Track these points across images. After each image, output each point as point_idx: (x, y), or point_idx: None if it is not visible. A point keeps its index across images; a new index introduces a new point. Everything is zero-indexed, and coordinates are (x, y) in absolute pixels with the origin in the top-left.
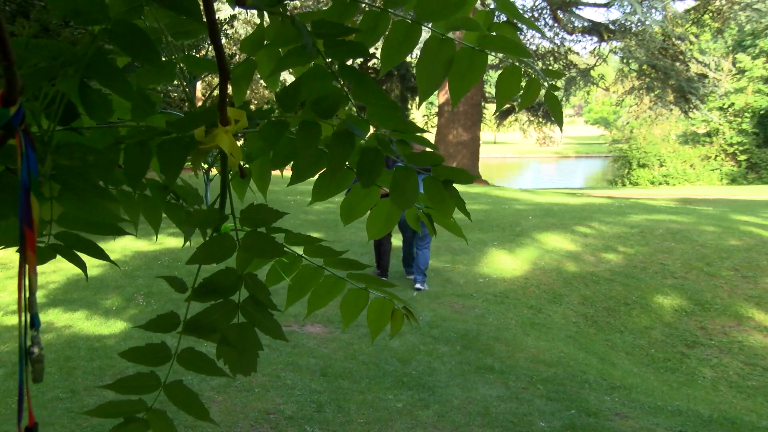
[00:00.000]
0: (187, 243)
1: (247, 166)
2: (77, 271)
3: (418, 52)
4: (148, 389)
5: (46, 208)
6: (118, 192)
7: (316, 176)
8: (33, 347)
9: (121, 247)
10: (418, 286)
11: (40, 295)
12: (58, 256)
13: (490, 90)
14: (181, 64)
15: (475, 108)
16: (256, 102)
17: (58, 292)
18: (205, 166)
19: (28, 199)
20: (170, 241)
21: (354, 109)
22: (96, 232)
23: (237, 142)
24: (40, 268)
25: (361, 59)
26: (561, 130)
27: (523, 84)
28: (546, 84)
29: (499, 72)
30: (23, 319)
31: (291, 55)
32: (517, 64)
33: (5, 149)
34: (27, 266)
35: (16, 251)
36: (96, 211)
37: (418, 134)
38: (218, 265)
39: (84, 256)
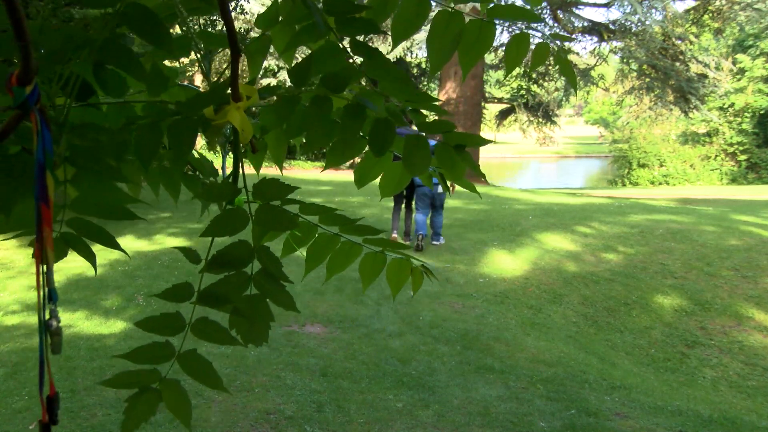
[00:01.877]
0: (188, 242)
1: (262, 138)
2: (78, 270)
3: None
4: (162, 359)
5: (59, 194)
6: (139, 163)
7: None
8: (51, 320)
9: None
10: (434, 242)
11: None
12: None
13: (490, 90)
14: (197, 40)
15: (475, 108)
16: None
17: (59, 292)
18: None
19: (44, 177)
20: (170, 241)
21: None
22: (110, 217)
23: (248, 118)
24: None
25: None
26: (575, 92)
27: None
28: (555, 47)
29: (508, 39)
30: (41, 293)
31: (303, 33)
32: (525, 30)
33: (21, 130)
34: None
35: (31, 245)
36: (110, 193)
37: (432, 103)
38: (231, 238)
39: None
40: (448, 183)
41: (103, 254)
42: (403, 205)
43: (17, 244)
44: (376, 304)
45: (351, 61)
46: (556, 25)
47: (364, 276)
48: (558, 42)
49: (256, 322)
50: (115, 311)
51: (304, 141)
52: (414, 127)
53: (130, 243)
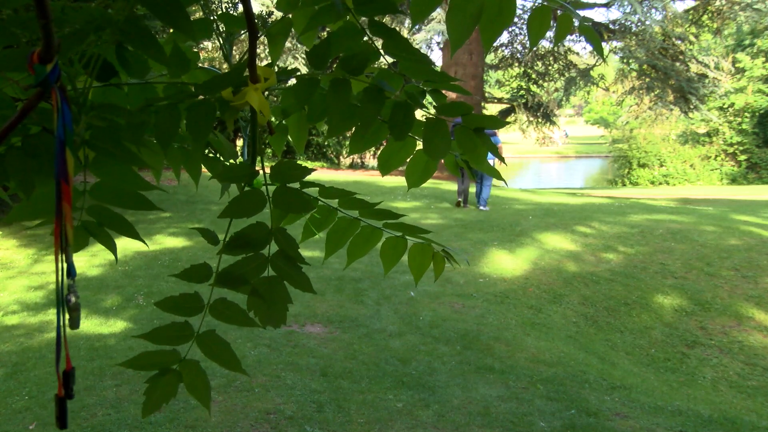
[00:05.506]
0: (189, 242)
1: (284, 122)
2: (78, 270)
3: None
4: (181, 339)
5: (79, 180)
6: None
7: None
8: (69, 295)
9: (121, 247)
10: (482, 208)
11: (39, 295)
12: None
13: (491, 90)
14: (218, 22)
15: (476, 108)
16: None
17: (58, 292)
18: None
19: (64, 154)
20: (170, 241)
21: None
22: (127, 206)
23: (266, 100)
24: (39, 269)
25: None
26: (603, 59)
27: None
28: (578, 17)
29: (529, 14)
30: (59, 266)
31: (322, 13)
32: (546, 3)
33: (42, 110)
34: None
35: (32, 244)
36: (128, 179)
37: (452, 83)
38: (249, 220)
39: (94, 253)
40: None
41: (103, 254)
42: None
43: (17, 244)
44: (376, 304)
45: (369, 41)
46: (555, 25)
47: (386, 260)
48: (579, 11)
49: (274, 303)
50: (115, 311)
51: (326, 126)
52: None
53: (130, 243)
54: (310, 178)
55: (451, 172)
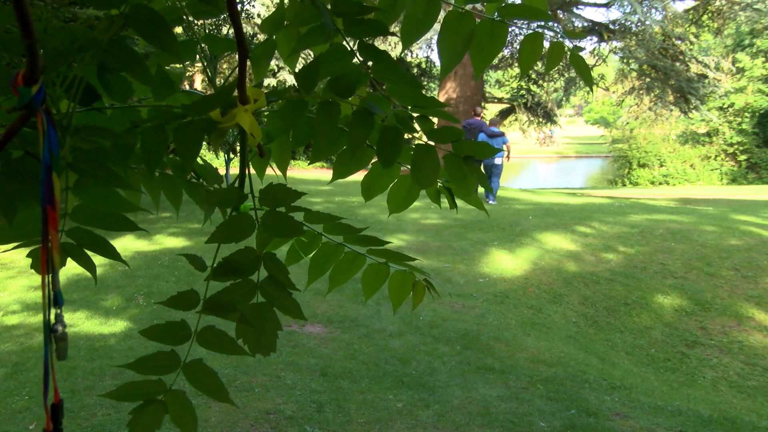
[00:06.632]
0: (189, 242)
1: (267, 145)
2: (78, 270)
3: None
4: (167, 369)
5: (60, 202)
6: (140, 170)
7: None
8: (57, 325)
9: (121, 247)
10: (491, 202)
11: (39, 295)
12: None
13: (491, 90)
14: (202, 44)
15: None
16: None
17: None
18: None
19: (50, 179)
20: (170, 241)
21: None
22: (110, 228)
23: (256, 122)
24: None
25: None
26: (591, 90)
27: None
28: (570, 45)
29: (521, 39)
30: (47, 297)
31: (310, 35)
32: (539, 30)
33: (25, 134)
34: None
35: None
36: (112, 201)
37: (440, 109)
38: (237, 245)
39: (90, 256)
40: (505, 152)
41: None
42: None
43: (17, 244)
44: (376, 304)
45: (358, 63)
46: (556, 25)
47: (366, 287)
48: (571, 40)
49: (263, 330)
50: (116, 311)
51: (311, 149)
52: (479, 118)
53: (130, 243)
54: (312, 178)
55: (432, 201)
